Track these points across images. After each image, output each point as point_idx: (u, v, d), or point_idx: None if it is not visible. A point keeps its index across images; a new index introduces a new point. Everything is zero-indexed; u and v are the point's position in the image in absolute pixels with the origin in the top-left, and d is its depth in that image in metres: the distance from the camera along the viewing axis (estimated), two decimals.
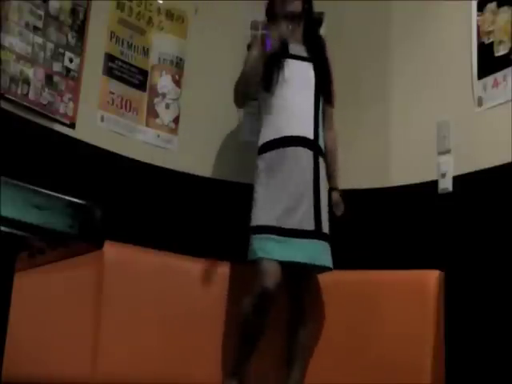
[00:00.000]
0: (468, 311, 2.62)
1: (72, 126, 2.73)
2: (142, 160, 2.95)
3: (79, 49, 2.77)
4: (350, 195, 3.10)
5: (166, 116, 3.09)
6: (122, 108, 2.93)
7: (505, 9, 2.74)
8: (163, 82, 3.10)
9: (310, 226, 2.59)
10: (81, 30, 2.78)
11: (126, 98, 2.95)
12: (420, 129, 3.03)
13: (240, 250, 2.61)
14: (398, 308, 2.62)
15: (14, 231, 1.11)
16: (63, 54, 2.71)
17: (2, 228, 1.09)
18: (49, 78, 2.64)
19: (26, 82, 2.55)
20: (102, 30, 2.88)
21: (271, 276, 2.48)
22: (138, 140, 2.99)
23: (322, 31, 3.20)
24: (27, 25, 2.57)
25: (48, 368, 2.42)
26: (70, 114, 2.72)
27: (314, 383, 2.63)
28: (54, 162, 2.61)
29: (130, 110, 2.96)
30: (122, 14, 2.98)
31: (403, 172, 3.04)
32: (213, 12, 3.26)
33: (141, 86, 3.02)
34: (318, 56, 2.82)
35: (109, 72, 2.91)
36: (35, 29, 2.60)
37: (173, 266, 2.64)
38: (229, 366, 2.62)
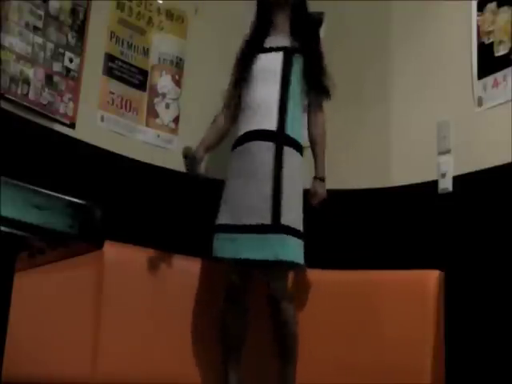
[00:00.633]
0: (468, 311, 2.62)
1: (72, 126, 2.73)
2: (141, 160, 2.96)
3: (79, 49, 2.77)
4: (350, 195, 3.11)
5: (166, 116, 3.09)
6: (122, 108, 2.93)
7: (505, 9, 2.74)
8: (163, 82, 3.10)
9: (267, 220, 2.51)
10: (81, 30, 2.78)
11: (125, 98, 2.95)
12: (420, 129, 3.03)
13: None
14: (398, 308, 2.62)
15: (14, 231, 1.11)
16: (63, 54, 2.71)
17: (2, 228, 1.09)
18: (49, 78, 2.64)
19: (26, 82, 2.56)
20: (102, 30, 2.89)
21: (231, 273, 2.57)
22: (138, 140, 2.99)
23: (322, 31, 3.20)
24: (27, 25, 2.57)
25: (48, 368, 2.42)
26: (70, 114, 2.72)
27: (313, 383, 2.63)
28: (54, 161, 2.61)
29: (130, 110, 2.96)
30: (122, 13, 2.98)
31: (403, 172, 3.04)
32: (213, 12, 3.26)
33: (141, 86, 3.02)
34: (304, 46, 2.73)
35: (109, 72, 2.91)
36: (35, 29, 2.60)
37: (173, 266, 2.64)
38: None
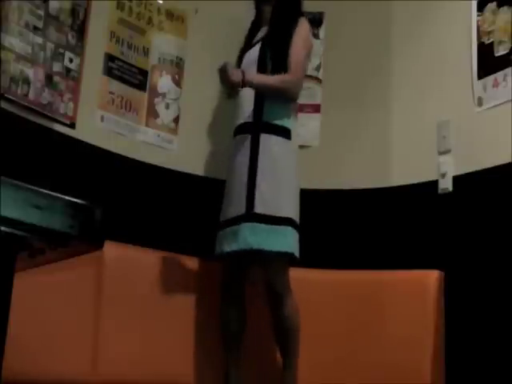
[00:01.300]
0: (468, 311, 2.62)
1: (72, 125, 2.73)
2: (141, 160, 2.95)
3: (79, 49, 2.77)
4: (350, 195, 3.11)
5: (166, 116, 3.09)
6: (122, 108, 2.93)
7: (505, 9, 2.74)
8: (163, 81, 3.10)
9: (242, 210, 2.51)
10: (81, 30, 2.78)
11: (126, 98, 2.95)
12: (420, 129, 3.03)
13: None
14: (398, 308, 2.63)
15: (14, 231, 1.11)
16: (63, 54, 2.70)
17: (2, 228, 1.09)
18: (49, 78, 2.64)
19: (26, 82, 2.55)
20: (102, 29, 2.88)
21: (224, 270, 2.62)
22: (138, 140, 2.99)
23: (322, 31, 3.20)
24: (27, 25, 2.57)
25: (48, 368, 2.42)
26: (70, 113, 2.72)
27: (314, 383, 2.63)
28: (54, 161, 2.61)
29: (130, 110, 2.96)
30: (122, 14, 2.98)
31: (403, 172, 3.04)
32: (213, 12, 3.26)
33: (141, 86, 3.02)
34: (273, 33, 2.70)
35: (109, 72, 2.90)
36: (35, 29, 2.59)
37: (173, 266, 2.65)
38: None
